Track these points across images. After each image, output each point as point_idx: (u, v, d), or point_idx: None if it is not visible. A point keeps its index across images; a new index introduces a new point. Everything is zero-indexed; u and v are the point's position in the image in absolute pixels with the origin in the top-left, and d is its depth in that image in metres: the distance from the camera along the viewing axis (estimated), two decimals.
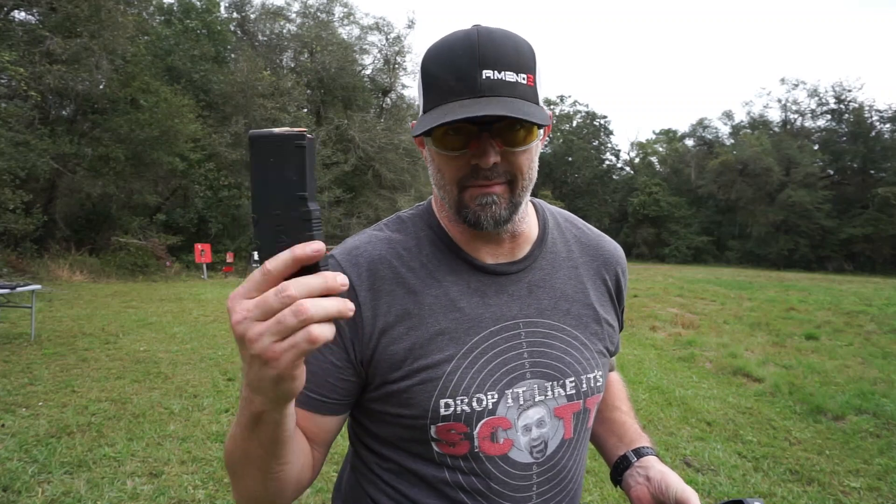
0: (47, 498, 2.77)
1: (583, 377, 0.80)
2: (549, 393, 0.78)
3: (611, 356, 0.91)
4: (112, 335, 6.76)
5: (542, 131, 0.75)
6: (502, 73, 0.67)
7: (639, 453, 0.89)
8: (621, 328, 0.95)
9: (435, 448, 0.75)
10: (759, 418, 4.63)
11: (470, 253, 0.80)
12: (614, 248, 0.93)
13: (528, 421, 0.77)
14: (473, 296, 0.78)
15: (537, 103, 0.71)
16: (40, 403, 4.16)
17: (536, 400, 0.77)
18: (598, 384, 0.83)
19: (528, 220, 0.84)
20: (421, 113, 0.73)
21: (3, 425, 3.68)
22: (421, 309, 0.76)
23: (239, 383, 4.96)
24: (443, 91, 0.69)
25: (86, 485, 2.92)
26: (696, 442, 4.02)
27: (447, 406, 0.73)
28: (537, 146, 0.76)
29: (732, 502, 0.57)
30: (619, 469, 0.89)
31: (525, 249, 0.83)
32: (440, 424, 0.74)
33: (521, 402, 0.76)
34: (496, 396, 0.75)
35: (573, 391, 0.80)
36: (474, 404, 0.74)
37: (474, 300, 0.78)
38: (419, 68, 0.74)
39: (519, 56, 0.69)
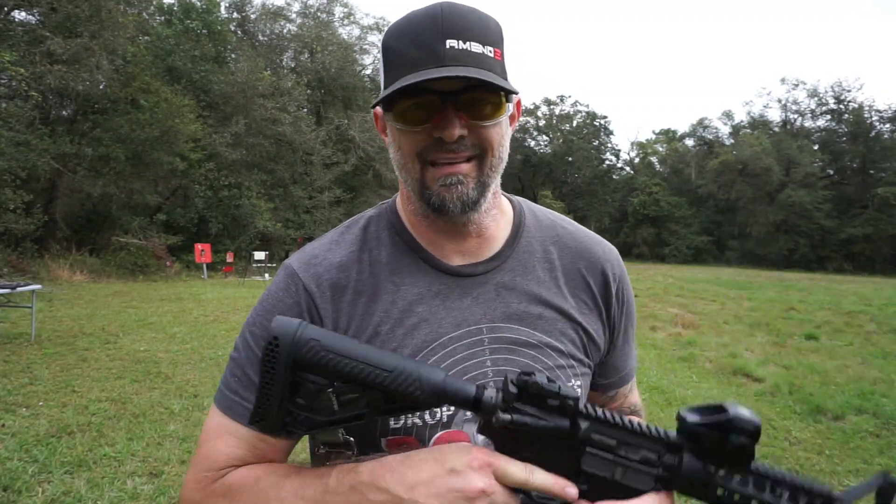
0: (48, 497, 2.77)
1: None
2: None
3: (595, 368, 0.81)
4: (112, 335, 6.76)
5: (511, 108, 0.70)
6: (467, 42, 0.62)
7: None
8: (612, 344, 0.82)
9: None
10: None
11: (433, 252, 0.75)
12: (604, 250, 0.82)
13: None
14: (434, 299, 0.73)
15: (505, 78, 0.65)
16: (40, 403, 4.16)
17: None
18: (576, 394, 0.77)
19: (497, 217, 0.77)
20: (384, 86, 0.68)
21: (3, 425, 3.68)
22: (378, 317, 0.72)
23: None
24: (404, 63, 0.64)
25: (86, 484, 2.92)
26: None
27: (396, 419, 0.69)
28: (507, 125, 0.71)
29: (713, 406, 0.57)
30: None
31: (494, 248, 0.77)
32: (390, 438, 0.70)
33: None
34: (452, 409, 0.70)
35: None
36: (427, 417, 0.69)
37: (434, 304, 0.72)
38: (380, 47, 0.68)
39: (485, 28, 0.65)
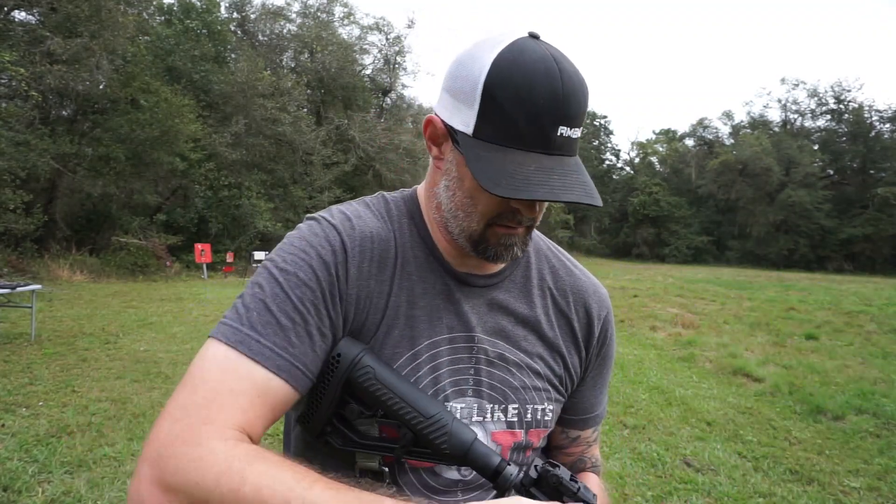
0: (47, 498, 2.77)
1: (528, 406, 0.77)
2: (489, 416, 0.75)
3: (566, 401, 0.84)
4: (112, 335, 6.76)
5: None
6: (572, 129, 0.64)
7: None
8: (582, 380, 0.86)
9: None
10: (759, 418, 4.63)
11: (444, 254, 0.77)
12: (595, 291, 0.87)
13: None
14: (436, 298, 0.75)
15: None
16: (40, 403, 4.16)
17: (473, 420, 0.74)
18: (547, 419, 0.80)
19: None
20: (471, 127, 0.65)
21: (3, 425, 3.68)
22: (386, 300, 0.73)
23: None
24: (511, 132, 0.63)
25: (86, 484, 2.92)
26: (696, 442, 4.02)
27: None
28: None
29: None
30: None
31: (497, 266, 0.80)
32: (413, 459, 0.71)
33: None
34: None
35: (514, 418, 0.76)
36: None
37: (436, 302, 0.75)
38: (478, 80, 0.63)
39: (586, 109, 0.66)
